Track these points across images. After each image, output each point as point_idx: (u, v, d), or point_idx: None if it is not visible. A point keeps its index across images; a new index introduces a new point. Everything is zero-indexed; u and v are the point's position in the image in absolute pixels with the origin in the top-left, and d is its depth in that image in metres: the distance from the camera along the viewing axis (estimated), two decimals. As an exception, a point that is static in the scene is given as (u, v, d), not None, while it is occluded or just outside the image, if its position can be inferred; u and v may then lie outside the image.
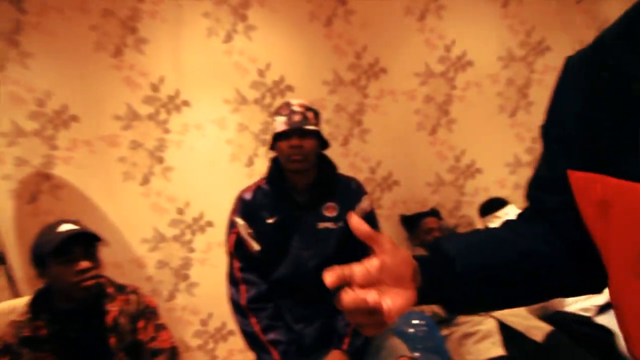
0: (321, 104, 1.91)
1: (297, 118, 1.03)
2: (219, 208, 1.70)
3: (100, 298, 1.12)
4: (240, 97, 1.87)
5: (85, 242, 1.05)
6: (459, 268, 0.40)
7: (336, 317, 1.13)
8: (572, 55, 0.42)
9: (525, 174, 2.22)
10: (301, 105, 1.07)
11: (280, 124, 1.05)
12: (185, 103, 1.84)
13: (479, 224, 1.98)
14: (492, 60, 2.07)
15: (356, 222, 0.36)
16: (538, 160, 0.46)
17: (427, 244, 1.87)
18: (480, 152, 2.13)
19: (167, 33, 1.83)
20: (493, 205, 1.82)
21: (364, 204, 1.14)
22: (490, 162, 2.16)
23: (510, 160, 2.18)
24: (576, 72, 0.39)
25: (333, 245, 1.10)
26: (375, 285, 0.35)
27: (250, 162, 1.88)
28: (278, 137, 1.06)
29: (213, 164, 1.87)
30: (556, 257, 0.41)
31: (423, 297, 0.38)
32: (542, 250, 0.41)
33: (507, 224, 0.47)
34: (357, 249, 1.19)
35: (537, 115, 2.17)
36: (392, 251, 0.36)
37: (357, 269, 0.34)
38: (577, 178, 0.35)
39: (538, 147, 2.15)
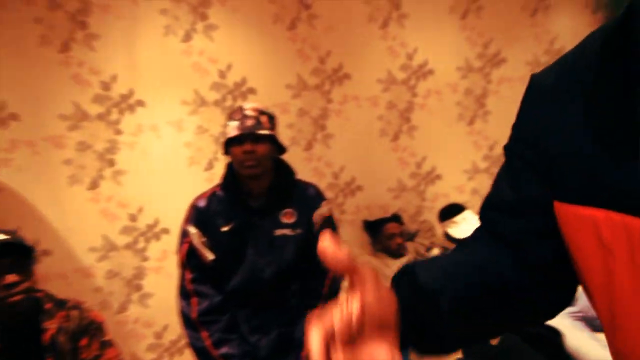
0: (284, 108, 1.88)
1: (249, 123, 1.00)
2: (175, 214, 1.61)
3: (36, 315, 1.02)
4: (199, 99, 1.81)
5: (15, 254, 0.95)
6: (445, 305, 0.36)
7: (294, 326, 1.11)
8: (539, 72, 0.39)
9: (482, 180, 2.30)
10: (254, 110, 1.04)
11: (232, 128, 1.01)
12: (140, 103, 1.75)
13: (439, 229, 2.03)
14: (451, 70, 2.14)
15: (332, 252, 0.26)
16: (496, 180, 0.43)
17: (393, 251, 1.89)
18: (440, 159, 2.19)
19: (121, 29, 1.73)
20: (451, 210, 1.86)
21: (323, 209, 1.12)
22: (450, 169, 2.22)
23: (468, 167, 2.26)
24: (555, 88, 0.36)
25: (291, 252, 1.07)
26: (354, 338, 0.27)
27: (209, 166, 1.82)
28: (231, 142, 1.02)
29: (169, 168, 1.78)
30: (525, 285, 0.38)
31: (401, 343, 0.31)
32: (513, 279, 0.38)
33: (470, 248, 0.43)
34: (316, 257, 1.18)
35: (494, 124, 2.27)
36: (375, 289, 0.28)
37: (338, 325, 0.25)
38: (569, 213, 0.33)
39: (494, 155, 2.25)
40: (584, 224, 0.31)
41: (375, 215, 2.08)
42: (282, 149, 1.13)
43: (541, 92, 0.37)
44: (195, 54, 1.80)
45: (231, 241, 1.04)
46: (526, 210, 0.36)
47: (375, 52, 1.99)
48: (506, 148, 0.42)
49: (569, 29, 2.38)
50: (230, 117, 1.05)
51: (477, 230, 0.44)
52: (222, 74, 1.82)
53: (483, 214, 0.43)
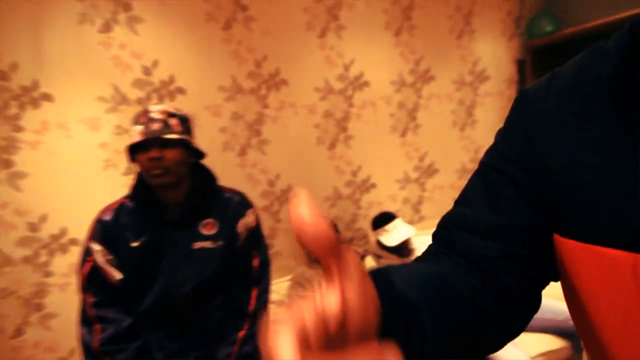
0: (216, 111, 1.79)
1: (155, 126, 0.90)
2: (86, 223, 1.44)
3: None
4: (119, 96, 1.64)
5: None
6: (425, 316, 0.31)
7: (215, 347, 1.03)
8: (532, 89, 0.37)
9: (413, 189, 2.41)
10: (162, 112, 0.94)
11: (136, 133, 0.91)
12: (46, 97, 1.54)
13: (372, 237, 2.07)
14: (386, 84, 2.21)
15: (311, 222, 0.17)
16: (466, 198, 0.40)
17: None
18: (375, 168, 2.25)
19: (25, 12, 1.51)
20: (383, 219, 1.91)
21: (249, 218, 1.06)
22: (384, 178, 2.29)
23: (401, 176, 2.35)
24: (557, 112, 0.33)
25: (211, 266, 0.99)
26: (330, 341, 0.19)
27: (129, 171, 1.65)
28: (136, 148, 0.92)
29: (80, 171, 1.59)
30: (491, 305, 0.35)
31: None
32: (479, 299, 0.35)
33: (432, 263, 0.38)
34: (241, 270, 1.12)
35: (423, 136, 2.40)
36: (359, 282, 0.19)
37: (312, 326, 0.17)
38: (579, 250, 0.31)
39: (424, 166, 2.37)
40: (601, 263, 0.29)
41: (310, 223, 2.06)
42: (199, 154, 1.04)
43: (539, 113, 0.35)
44: (115, 47, 1.64)
45: (142, 257, 0.94)
46: (507, 235, 0.34)
47: (313, 61, 1.99)
48: (487, 164, 0.39)
49: (489, 53, 2.61)
50: (135, 121, 0.94)
51: (435, 247, 0.40)
52: (147, 71, 1.68)
53: (446, 232, 0.40)
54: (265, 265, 1.08)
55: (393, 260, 1.94)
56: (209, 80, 1.78)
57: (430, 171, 2.47)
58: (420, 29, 2.29)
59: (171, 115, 0.95)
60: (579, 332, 0.37)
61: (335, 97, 2.07)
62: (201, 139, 1.77)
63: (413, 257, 1.93)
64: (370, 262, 2.01)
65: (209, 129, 1.80)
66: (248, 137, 1.88)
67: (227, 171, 1.85)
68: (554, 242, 0.33)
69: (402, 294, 0.30)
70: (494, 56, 2.64)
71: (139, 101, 1.67)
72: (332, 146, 2.10)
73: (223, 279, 1.02)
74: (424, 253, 0.41)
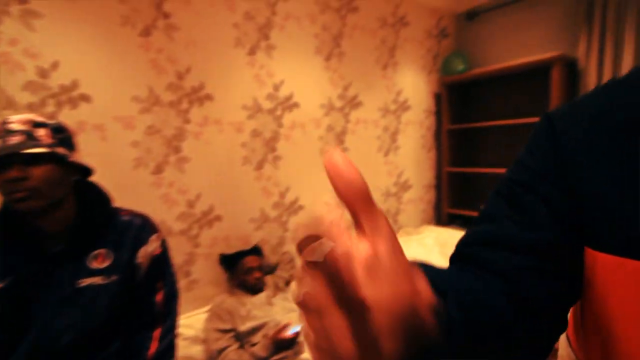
0: (128, 123, 1.61)
1: (15, 139, 0.73)
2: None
3: None
4: (5, 99, 1.39)
5: None
6: (454, 312, 0.31)
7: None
8: (558, 112, 0.39)
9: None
10: (25, 122, 0.76)
11: None
12: None
13: (298, 261, 2.01)
14: (315, 106, 2.23)
15: (350, 171, 0.17)
16: (488, 217, 0.41)
17: (251, 286, 1.76)
18: (303, 190, 2.22)
19: None
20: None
21: (152, 246, 0.91)
22: (312, 199, 2.27)
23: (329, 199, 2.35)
24: (589, 135, 0.35)
25: (102, 308, 0.82)
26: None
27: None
28: None
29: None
30: (519, 319, 0.35)
31: None
32: (506, 310, 0.34)
33: (457, 275, 0.37)
34: (142, 307, 0.94)
35: (350, 159, 2.44)
36: (388, 236, 0.18)
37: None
38: (609, 262, 0.32)
39: (351, 188, 2.41)
40: (630, 276, 0.31)
41: (234, 247, 1.94)
42: (86, 171, 0.88)
43: (571, 135, 0.36)
44: (4, 44, 1.39)
45: (8, 302, 0.75)
46: (535, 249, 0.35)
47: (241, 78, 1.92)
48: (512, 180, 0.40)
49: (411, 85, 2.81)
50: None
51: (458, 265, 0.38)
52: (44, 73, 1.45)
53: (469, 250, 0.39)
54: (171, 299, 0.95)
55: (319, 284, 1.89)
56: (121, 89, 1.60)
57: (357, 194, 2.52)
58: (349, 57, 2.38)
59: (38, 125, 0.77)
60: (593, 346, 0.37)
61: (264, 117, 2.02)
62: (109, 154, 1.58)
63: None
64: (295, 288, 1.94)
65: (119, 143, 1.60)
66: (165, 153, 1.72)
67: (139, 191, 1.66)
68: (583, 256, 0.34)
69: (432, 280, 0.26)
70: (415, 88, 2.85)
71: (31, 106, 1.43)
72: (260, 166, 2.02)
73: (118, 321, 0.86)
74: (449, 269, 0.39)
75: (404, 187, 2.86)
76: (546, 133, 0.40)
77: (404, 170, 2.84)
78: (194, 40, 1.76)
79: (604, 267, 0.35)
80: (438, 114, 3.05)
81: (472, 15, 2.96)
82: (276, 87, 2.05)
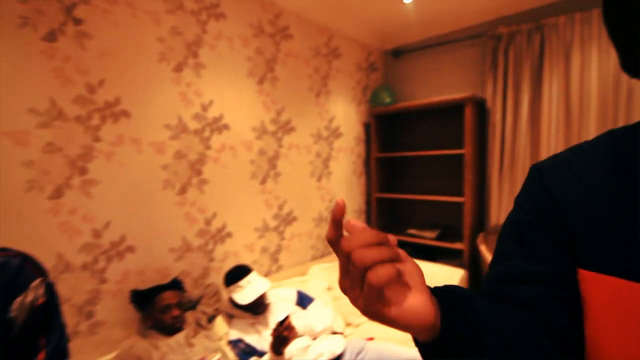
0: (21, 139, 1.37)
1: None
2: None
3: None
4: None
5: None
6: (487, 339, 0.38)
7: None
8: (545, 164, 0.50)
9: (272, 238, 2.34)
10: None
11: None
12: None
13: (225, 294, 1.86)
14: (247, 129, 2.16)
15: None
16: (502, 257, 0.49)
17: (168, 325, 1.56)
18: (231, 216, 2.09)
19: None
20: (237, 274, 1.75)
21: (32, 294, 0.74)
22: (241, 226, 2.15)
23: (259, 225, 2.26)
24: (579, 178, 0.46)
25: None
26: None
27: None
28: None
29: None
30: (545, 344, 0.43)
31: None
32: (538, 337, 0.42)
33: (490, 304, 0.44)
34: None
35: (283, 184, 2.40)
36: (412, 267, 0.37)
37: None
38: (590, 278, 0.41)
39: (283, 214, 2.34)
40: (608, 290, 0.39)
41: (149, 282, 1.73)
42: None
43: (558, 178, 0.47)
44: None
45: None
46: (547, 278, 0.44)
47: (164, 95, 1.78)
48: (517, 221, 0.50)
49: (342, 113, 2.90)
50: None
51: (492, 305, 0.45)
52: None
53: (494, 289, 0.47)
54: (57, 356, 0.77)
55: (246, 319, 1.77)
56: (13, 99, 1.36)
57: (289, 219, 2.46)
58: (282, 82, 2.38)
59: None
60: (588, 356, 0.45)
61: (190, 137, 1.89)
62: (-10, 174, 1.31)
63: (269, 314, 1.80)
64: (221, 324, 1.77)
65: (8, 162, 1.35)
66: (68, 175, 1.49)
67: (32, 219, 1.40)
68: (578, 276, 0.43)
69: (467, 306, 0.40)
70: (346, 116, 2.95)
71: None
72: (183, 190, 1.87)
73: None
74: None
75: (336, 212, 2.88)
76: (537, 181, 0.50)
77: (336, 196, 2.87)
78: (110, 51, 1.59)
79: (591, 284, 0.43)
80: (367, 142, 3.18)
81: (397, 53, 3.20)
82: (204, 107, 1.94)
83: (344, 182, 2.95)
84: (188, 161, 1.88)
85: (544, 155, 2.40)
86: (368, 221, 3.24)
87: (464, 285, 2.31)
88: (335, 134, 2.85)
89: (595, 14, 2.21)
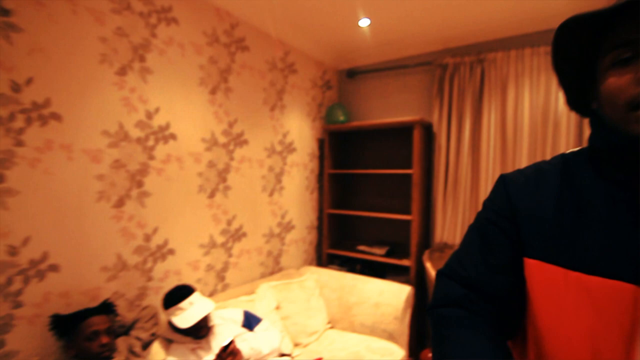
0: None
1: None
2: None
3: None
4: None
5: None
6: None
7: None
8: (511, 174, 0.66)
9: (218, 255, 2.23)
10: None
11: None
12: None
13: (163, 316, 1.72)
14: (196, 140, 2.06)
15: None
16: (466, 244, 0.67)
17: (94, 355, 1.38)
18: (175, 232, 1.96)
19: None
20: (177, 295, 1.62)
21: None
22: (185, 243, 2.02)
23: (205, 241, 2.14)
24: (530, 186, 0.61)
25: None
26: None
27: None
28: None
29: None
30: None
31: None
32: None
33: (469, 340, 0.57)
34: None
35: (233, 199, 2.31)
36: None
37: None
38: (534, 265, 0.56)
39: (232, 229, 2.25)
40: (555, 282, 0.52)
41: (76, 305, 1.54)
42: None
43: (518, 186, 0.62)
44: None
45: None
46: (505, 269, 0.60)
47: (103, 99, 1.64)
48: (484, 218, 0.65)
49: (297, 128, 2.89)
50: None
51: (460, 311, 0.61)
52: None
53: (469, 279, 0.62)
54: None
55: (187, 344, 1.64)
56: None
57: (239, 235, 2.37)
58: (236, 93, 2.32)
59: None
60: (530, 346, 0.58)
61: (132, 146, 1.75)
62: None
63: (212, 337, 1.69)
64: (158, 351, 1.62)
65: None
66: (-21, 183, 1.30)
67: None
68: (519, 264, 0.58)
69: None
70: (301, 132, 2.95)
71: None
72: (121, 203, 1.71)
73: None
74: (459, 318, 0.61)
75: (287, 227, 2.83)
76: (503, 188, 0.65)
77: (288, 211, 2.83)
78: (42, 47, 1.44)
79: (533, 270, 0.57)
80: (321, 158, 3.20)
81: (352, 74, 3.30)
82: (149, 115, 1.82)
83: (296, 198, 2.92)
84: (128, 172, 1.74)
85: (483, 177, 2.58)
86: (320, 237, 3.22)
87: (410, 300, 2.36)
88: (289, 148, 2.83)
89: (527, 53, 2.45)
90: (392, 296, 2.32)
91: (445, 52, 2.82)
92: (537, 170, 0.62)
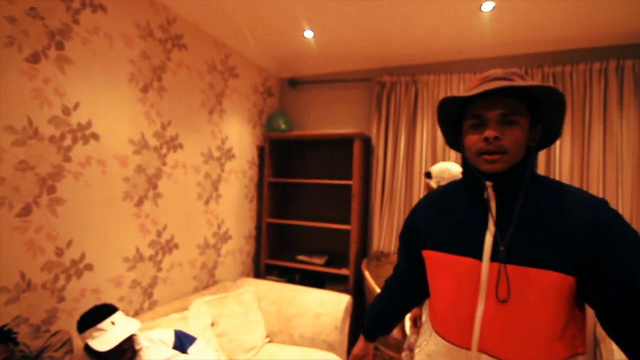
0: None
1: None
2: None
3: None
4: None
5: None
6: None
7: None
8: (419, 202, 1.05)
9: (146, 269, 2.02)
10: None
11: None
12: None
13: (78, 341, 1.49)
14: (122, 141, 1.86)
15: None
16: (400, 250, 1.12)
17: None
18: (93, 244, 1.73)
19: None
20: (95, 315, 1.42)
21: None
22: (106, 257, 1.79)
23: (131, 254, 1.92)
24: (424, 208, 1.02)
25: None
26: None
27: None
28: None
29: None
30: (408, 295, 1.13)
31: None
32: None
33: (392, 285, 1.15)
34: None
35: (164, 207, 2.12)
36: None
37: None
38: (427, 254, 0.95)
39: (162, 241, 2.05)
40: (433, 259, 0.92)
41: (-44, 336, 1.26)
42: None
43: (418, 212, 1.02)
44: None
45: None
46: (412, 257, 1.04)
47: (9, 89, 1.39)
48: (402, 237, 1.09)
49: (236, 134, 2.79)
50: None
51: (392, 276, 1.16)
52: None
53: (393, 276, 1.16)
54: None
55: (105, 372, 1.43)
56: None
57: (169, 247, 2.18)
58: (171, 93, 2.15)
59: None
60: (432, 312, 0.96)
61: (43, 146, 1.51)
62: None
63: (136, 362, 1.50)
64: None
65: None
66: None
67: None
68: (422, 256, 0.98)
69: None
70: (240, 138, 2.84)
71: None
72: (27, 212, 1.46)
73: None
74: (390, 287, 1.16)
75: (224, 238, 2.69)
76: (414, 208, 1.05)
77: (224, 220, 2.69)
78: None
79: (426, 256, 0.94)
80: (261, 166, 3.12)
81: (294, 83, 3.29)
82: (67, 111, 1.59)
83: (234, 206, 2.80)
84: (37, 175, 1.49)
85: (416, 190, 2.74)
86: (258, 247, 3.12)
87: (349, 309, 2.39)
88: (228, 155, 2.70)
89: (455, 79, 2.69)
90: (332, 306, 2.32)
91: (383, 71, 2.96)
92: (430, 197, 1.01)
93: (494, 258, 0.78)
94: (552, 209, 0.75)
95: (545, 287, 0.72)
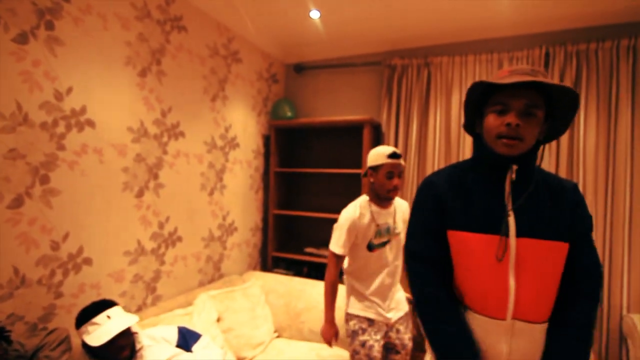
0: None
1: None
2: None
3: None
4: None
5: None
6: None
7: None
8: (433, 175, 1.06)
9: (148, 263, 1.94)
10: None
11: None
12: None
13: (77, 339, 1.41)
14: (121, 129, 1.76)
15: None
16: (416, 232, 1.06)
17: None
18: (92, 237, 1.64)
19: None
20: (92, 310, 1.34)
21: None
22: (105, 250, 1.71)
23: (132, 248, 1.84)
24: (429, 193, 1.04)
25: None
26: None
27: None
28: None
29: None
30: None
31: None
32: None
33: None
34: None
35: (166, 198, 2.03)
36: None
37: None
38: (454, 235, 0.97)
39: (165, 233, 1.96)
40: (462, 240, 0.96)
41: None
42: None
43: (442, 188, 1.01)
44: None
45: None
46: (441, 245, 1.00)
47: (2, 74, 1.30)
48: (424, 203, 1.04)
49: (240, 123, 2.67)
50: None
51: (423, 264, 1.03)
52: None
53: (420, 254, 1.03)
54: None
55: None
56: None
57: (173, 240, 2.09)
58: (171, 78, 2.04)
59: None
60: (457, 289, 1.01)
61: (34, 133, 1.41)
62: None
63: (137, 360, 1.42)
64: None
65: None
66: None
67: None
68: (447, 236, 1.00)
69: None
70: (245, 126, 2.73)
71: None
72: (18, 203, 1.37)
73: None
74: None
75: (229, 230, 2.60)
76: (429, 187, 1.04)
77: (230, 212, 2.60)
78: None
79: (451, 236, 0.98)
80: (267, 155, 3.01)
81: (299, 69, 3.16)
82: (59, 96, 1.49)
83: (239, 197, 2.70)
84: (28, 164, 1.40)
85: (429, 177, 2.61)
86: (265, 239, 3.03)
87: (360, 304, 2.29)
88: (232, 144, 2.60)
89: (470, 60, 2.54)
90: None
91: (394, 53, 2.82)
92: (450, 173, 1.04)
93: (518, 234, 0.90)
94: (549, 192, 0.95)
95: (555, 255, 0.91)
